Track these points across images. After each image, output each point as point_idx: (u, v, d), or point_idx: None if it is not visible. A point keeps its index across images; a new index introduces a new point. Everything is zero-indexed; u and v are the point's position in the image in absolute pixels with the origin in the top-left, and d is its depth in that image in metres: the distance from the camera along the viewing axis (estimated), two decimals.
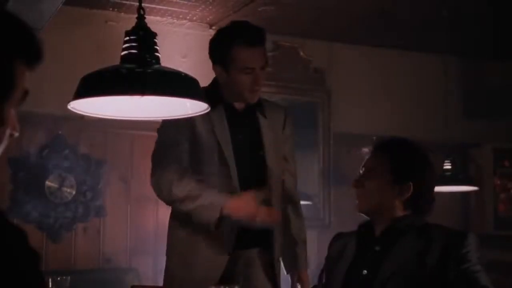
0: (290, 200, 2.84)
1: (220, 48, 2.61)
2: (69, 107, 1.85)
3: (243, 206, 2.52)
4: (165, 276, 2.74)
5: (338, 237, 2.33)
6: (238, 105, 2.69)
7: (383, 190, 2.12)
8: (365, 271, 2.10)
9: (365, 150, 2.24)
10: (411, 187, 2.11)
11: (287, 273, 2.85)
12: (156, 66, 1.81)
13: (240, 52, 2.56)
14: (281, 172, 2.77)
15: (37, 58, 1.06)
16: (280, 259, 2.80)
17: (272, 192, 2.70)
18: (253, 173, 2.68)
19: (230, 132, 2.64)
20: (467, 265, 1.97)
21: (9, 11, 1.03)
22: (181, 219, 2.68)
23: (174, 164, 2.60)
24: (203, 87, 2.66)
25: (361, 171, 2.19)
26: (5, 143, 1.08)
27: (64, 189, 4.54)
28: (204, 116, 2.48)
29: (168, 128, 2.62)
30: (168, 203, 2.68)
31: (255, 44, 2.58)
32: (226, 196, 2.56)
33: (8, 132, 1.08)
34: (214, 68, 2.65)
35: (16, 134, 1.09)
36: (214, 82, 2.71)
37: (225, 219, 2.54)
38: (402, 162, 2.14)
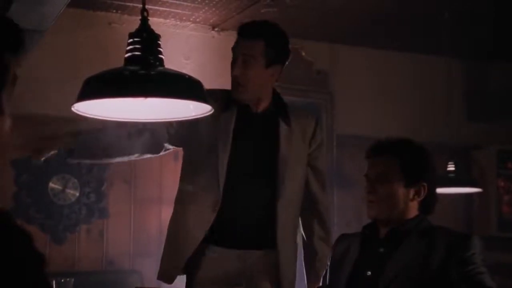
0: (316, 211, 2.74)
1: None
2: (73, 109, 1.86)
3: None
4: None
5: (342, 238, 2.33)
6: (255, 107, 2.65)
7: (398, 194, 2.11)
8: (369, 272, 2.10)
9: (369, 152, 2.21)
10: (426, 187, 2.11)
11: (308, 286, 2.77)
12: (160, 68, 1.81)
13: (236, 39, 2.59)
14: (300, 183, 2.70)
15: (21, 46, 1.13)
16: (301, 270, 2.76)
17: (285, 206, 2.63)
18: (263, 176, 2.65)
19: (237, 136, 2.61)
20: (472, 267, 1.97)
21: None
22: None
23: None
24: (227, 90, 2.65)
25: (370, 176, 2.16)
26: (6, 132, 1.10)
27: (68, 191, 4.55)
28: (215, 117, 2.46)
29: None
30: None
31: (242, 35, 2.59)
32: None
33: (8, 121, 1.10)
34: None
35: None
36: None
37: None
38: (414, 164, 2.13)
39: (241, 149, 2.62)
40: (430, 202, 2.14)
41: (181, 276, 2.71)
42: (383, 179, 2.12)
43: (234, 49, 2.59)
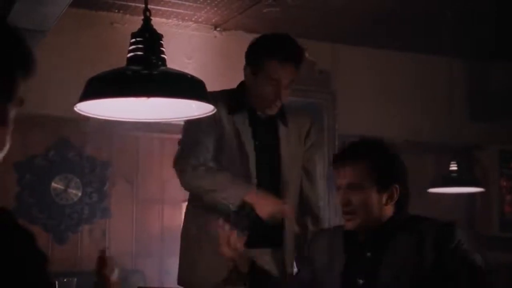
0: (310, 212, 2.82)
1: (255, 54, 2.65)
2: (75, 109, 1.86)
3: (268, 200, 2.55)
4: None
5: (321, 234, 2.31)
6: (260, 112, 2.71)
7: (371, 201, 2.05)
8: (360, 281, 2.04)
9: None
10: (398, 189, 2.08)
11: None
12: (162, 67, 1.81)
13: (271, 64, 2.60)
14: (299, 182, 2.76)
15: (32, 70, 1.13)
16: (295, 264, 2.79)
17: (288, 203, 2.67)
18: (270, 179, 2.70)
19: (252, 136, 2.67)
20: (461, 254, 1.97)
21: (7, 22, 1.10)
22: (193, 218, 2.72)
23: (199, 162, 2.65)
24: (230, 89, 2.71)
25: (341, 186, 2.09)
26: (8, 144, 1.08)
27: (70, 190, 4.56)
28: (229, 119, 2.62)
29: (192, 129, 2.66)
30: (191, 185, 2.70)
31: (287, 61, 2.62)
32: (251, 186, 2.60)
33: (10, 133, 1.08)
34: (244, 68, 2.68)
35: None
36: (241, 85, 2.73)
37: (246, 206, 2.54)
38: (383, 169, 2.07)
39: (256, 151, 2.67)
40: (403, 201, 2.11)
41: None
42: (355, 187, 2.06)
43: (277, 72, 2.60)
